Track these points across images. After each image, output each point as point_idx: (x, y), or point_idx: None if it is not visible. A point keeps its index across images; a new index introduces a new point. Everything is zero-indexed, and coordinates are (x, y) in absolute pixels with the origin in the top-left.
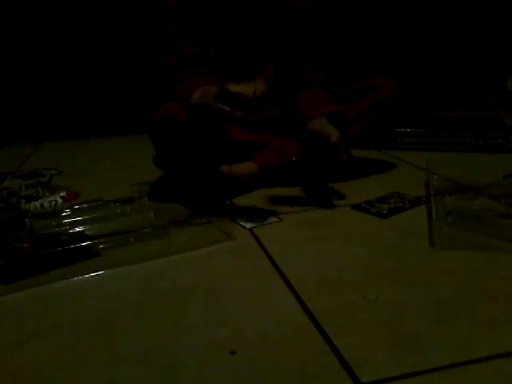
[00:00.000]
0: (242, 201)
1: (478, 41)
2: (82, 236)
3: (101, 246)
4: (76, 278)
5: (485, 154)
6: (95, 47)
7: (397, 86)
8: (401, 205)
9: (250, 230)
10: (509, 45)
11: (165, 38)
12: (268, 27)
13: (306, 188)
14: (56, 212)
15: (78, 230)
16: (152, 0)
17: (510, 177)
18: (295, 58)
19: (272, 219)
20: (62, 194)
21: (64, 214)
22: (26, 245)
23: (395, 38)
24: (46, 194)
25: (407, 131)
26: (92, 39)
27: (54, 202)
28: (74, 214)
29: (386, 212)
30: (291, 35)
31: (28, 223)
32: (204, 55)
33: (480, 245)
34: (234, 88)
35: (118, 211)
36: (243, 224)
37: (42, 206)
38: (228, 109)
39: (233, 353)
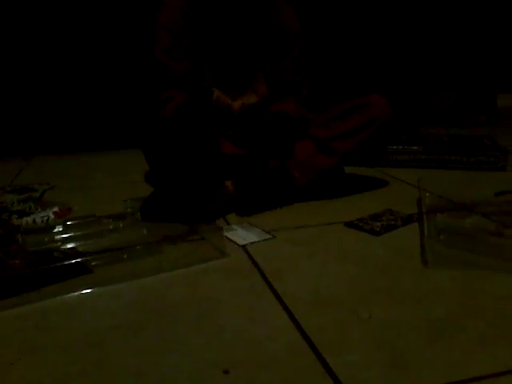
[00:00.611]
0: (234, 217)
1: (469, 59)
2: (74, 252)
3: (93, 263)
4: (67, 296)
5: (476, 172)
6: (88, 64)
7: (389, 104)
8: (393, 222)
9: (243, 246)
10: (499, 63)
11: (157, 56)
12: (259, 47)
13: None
14: (48, 228)
15: (70, 246)
16: (144, 20)
17: (501, 194)
18: (284, 79)
19: (265, 236)
20: (55, 209)
21: (56, 229)
22: (17, 261)
23: (387, 56)
24: (38, 210)
25: (400, 148)
26: (85, 57)
27: (46, 218)
28: (66, 229)
29: (378, 229)
30: (281, 56)
31: (20, 239)
32: (194, 72)
33: (472, 263)
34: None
35: (111, 227)
36: (236, 241)
37: (34, 221)
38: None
39: (226, 372)
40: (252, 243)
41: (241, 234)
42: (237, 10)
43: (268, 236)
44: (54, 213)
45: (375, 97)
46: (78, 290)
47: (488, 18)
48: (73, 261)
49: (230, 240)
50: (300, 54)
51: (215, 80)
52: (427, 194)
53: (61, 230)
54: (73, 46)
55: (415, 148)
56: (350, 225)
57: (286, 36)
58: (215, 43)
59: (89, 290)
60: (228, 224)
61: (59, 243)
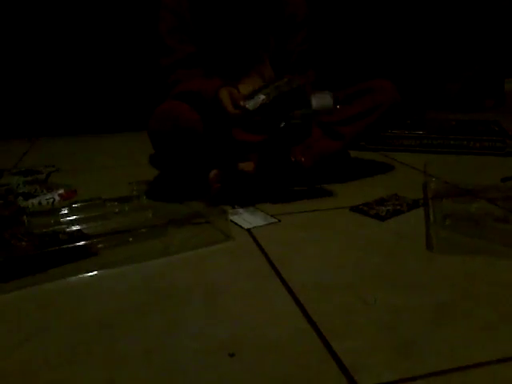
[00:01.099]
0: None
1: (477, 44)
2: (80, 235)
3: (99, 246)
4: (74, 278)
5: (482, 157)
6: (93, 45)
7: (396, 88)
8: (399, 207)
9: (248, 230)
10: (506, 48)
11: (162, 38)
12: (265, 29)
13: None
14: (54, 210)
15: (75, 228)
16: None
17: (508, 180)
18: (292, 61)
19: (270, 220)
20: (60, 191)
21: (62, 212)
22: (23, 243)
23: (393, 40)
24: (44, 192)
25: (405, 133)
26: (90, 37)
27: (51, 200)
28: (71, 212)
29: (384, 214)
30: (288, 41)
31: (26, 221)
32: (200, 56)
33: (477, 249)
34: None
35: (117, 210)
36: (241, 224)
37: (39, 203)
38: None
39: (231, 355)
40: (257, 227)
41: (246, 218)
42: None
43: (273, 220)
44: (60, 195)
45: (381, 81)
46: (83, 273)
47: (494, 4)
48: (79, 243)
49: (235, 224)
50: (307, 36)
51: (220, 62)
52: (433, 179)
53: (66, 212)
54: (78, 29)
55: (421, 132)
56: (355, 209)
57: (293, 18)
58: (220, 25)
59: (95, 273)
60: (233, 207)
61: (65, 225)
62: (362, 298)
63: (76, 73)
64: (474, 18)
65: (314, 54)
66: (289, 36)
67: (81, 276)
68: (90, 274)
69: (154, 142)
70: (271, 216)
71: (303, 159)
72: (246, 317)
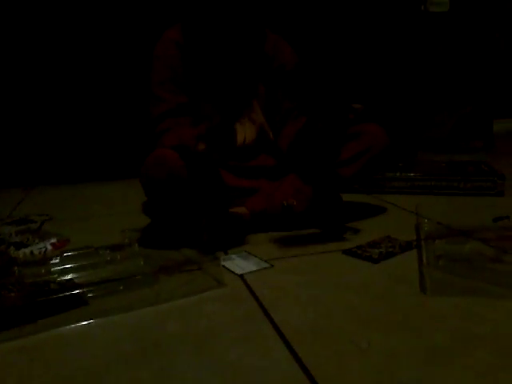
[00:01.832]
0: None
1: (465, 86)
2: (70, 284)
3: (89, 295)
4: (63, 328)
5: (474, 198)
6: (86, 95)
7: (385, 132)
8: (392, 249)
9: (241, 276)
10: (494, 89)
11: (153, 89)
12: (256, 80)
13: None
14: (45, 259)
15: (66, 278)
16: (144, 52)
17: (500, 220)
18: (283, 107)
19: (263, 265)
20: (53, 240)
21: (53, 261)
22: (13, 294)
23: (384, 83)
24: (36, 241)
25: (397, 175)
26: (83, 86)
27: (43, 249)
28: (63, 261)
29: (377, 257)
30: (278, 90)
31: (16, 271)
32: (192, 106)
33: (471, 289)
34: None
35: (108, 258)
36: (234, 270)
37: (31, 253)
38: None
39: None
40: (250, 272)
41: (238, 263)
42: (231, 44)
43: (266, 265)
44: (52, 244)
45: (371, 125)
46: (74, 323)
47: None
48: (69, 293)
49: (228, 269)
50: (298, 82)
51: (212, 111)
52: (425, 220)
53: (58, 261)
54: (71, 77)
55: (412, 175)
56: (348, 252)
57: (282, 68)
58: (211, 76)
59: (85, 322)
60: (226, 253)
61: (56, 275)
62: (355, 343)
63: (70, 123)
64: (463, 61)
65: (305, 98)
66: (278, 84)
67: (70, 326)
68: (80, 323)
69: (146, 188)
70: (264, 261)
71: (295, 203)
72: (238, 364)
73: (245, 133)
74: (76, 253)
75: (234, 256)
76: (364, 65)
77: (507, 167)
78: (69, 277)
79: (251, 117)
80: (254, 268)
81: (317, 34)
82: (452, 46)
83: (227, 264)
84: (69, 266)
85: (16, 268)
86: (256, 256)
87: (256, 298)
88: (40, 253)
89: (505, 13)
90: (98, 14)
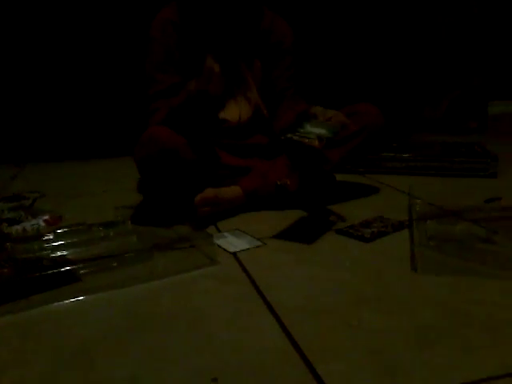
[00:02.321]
0: (227, 224)
1: (460, 67)
2: (63, 260)
3: (82, 271)
4: (56, 304)
5: (466, 179)
6: (80, 71)
7: (381, 112)
8: (384, 229)
9: (234, 254)
10: (490, 71)
11: (148, 70)
12: (252, 57)
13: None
14: (38, 236)
15: (59, 254)
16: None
17: (491, 201)
18: (279, 86)
19: (256, 243)
20: (45, 217)
21: (46, 238)
22: (5, 270)
23: (379, 64)
24: (29, 218)
25: (391, 156)
26: (76, 64)
27: (36, 226)
28: (56, 238)
29: (369, 236)
30: (275, 65)
31: (9, 247)
32: (185, 84)
33: (462, 269)
34: (220, 114)
35: (101, 235)
36: (227, 248)
37: (24, 229)
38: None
39: (214, 380)
40: (242, 250)
41: (231, 242)
42: (227, 22)
43: (258, 243)
44: (45, 221)
45: (365, 105)
46: (66, 299)
47: (477, 28)
48: (62, 269)
49: (221, 247)
50: (294, 61)
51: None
52: (418, 200)
53: (51, 238)
54: (65, 56)
55: (406, 155)
56: (340, 232)
57: (279, 46)
58: (207, 51)
59: (78, 299)
60: (219, 231)
61: (49, 251)
62: (346, 321)
63: (63, 99)
64: (457, 41)
65: (301, 78)
66: (275, 62)
67: (63, 302)
68: (73, 300)
69: (140, 167)
70: (257, 239)
71: (289, 182)
72: (230, 341)
73: (240, 111)
74: (69, 229)
75: (226, 234)
76: (359, 47)
77: (501, 148)
78: (61, 253)
79: (246, 95)
80: (247, 246)
81: (313, 16)
82: (447, 28)
83: (220, 242)
84: (62, 242)
85: (9, 244)
86: (249, 234)
87: (249, 276)
88: (33, 229)
89: None
90: None
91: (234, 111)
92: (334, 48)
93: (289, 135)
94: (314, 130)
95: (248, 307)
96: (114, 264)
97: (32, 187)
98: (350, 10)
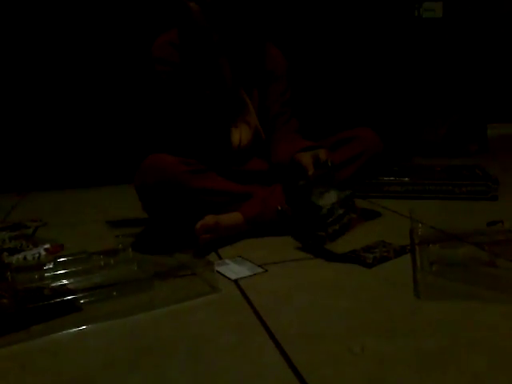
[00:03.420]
0: (228, 251)
1: (459, 89)
2: (64, 290)
3: (82, 301)
4: (56, 334)
5: (468, 202)
6: (80, 100)
7: (378, 136)
8: (386, 254)
9: (235, 281)
10: (489, 93)
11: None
12: (250, 83)
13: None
14: (39, 265)
15: (60, 283)
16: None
17: (493, 224)
18: (275, 111)
19: (257, 270)
20: (46, 246)
21: (47, 267)
22: (5, 300)
23: (378, 88)
24: (30, 247)
25: (391, 180)
26: (78, 91)
27: (37, 255)
28: (56, 267)
29: (371, 261)
30: (269, 94)
31: (10, 277)
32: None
33: (465, 294)
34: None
35: (102, 264)
36: (228, 275)
37: (24, 258)
38: None
39: None
40: (244, 277)
41: (232, 269)
42: (227, 45)
43: (260, 270)
44: (46, 250)
45: (363, 129)
46: (67, 329)
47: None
48: (62, 299)
49: (222, 274)
50: (288, 87)
51: (207, 113)
52: (419, 224)
53: (51, 267)
54: (67, 82)
55: (407, 179)
56: (343, 257)
57: (273, 73)
58: (207, 77)
59: (78, 329)
60: (220, 258)
61: (49, 281)
62: (349, 348)
63: (64, 128)
64: (456, 66)
65: (297, 103)
66: (270, 88)
67: (63, 332)
68: (73, 330)
69: (140, 195)
70: (258, 266)
71: (289, 208)
72: (232, 371)
73: (240, 135)
74: (69, 258)
75: (228, 261)
76: (359, 70)
77: (501, 171)
78: (62, 282)
79: (246, 119)
80: (248, 273)
81: (312, 39)
82: (445, 52)
83: (221, 269)
84: (62, 271)
85: (9, 274)
86: (250, 261)
87: (250, 303)
88: (34, 258)
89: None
90: (95, 18)
91: (235, 135)
92: (333, 72)
93: None
94: (327, 202)
95: (249, 335)
96: (114, 293)
97: (33, 216)
98: (350, 33)
